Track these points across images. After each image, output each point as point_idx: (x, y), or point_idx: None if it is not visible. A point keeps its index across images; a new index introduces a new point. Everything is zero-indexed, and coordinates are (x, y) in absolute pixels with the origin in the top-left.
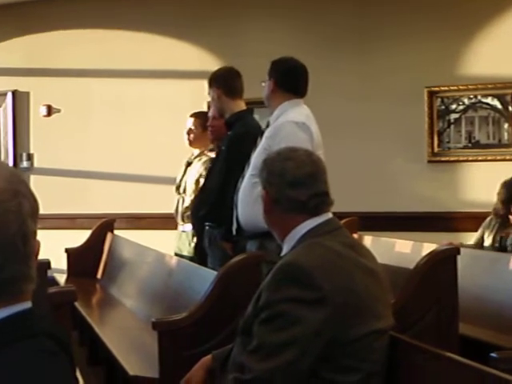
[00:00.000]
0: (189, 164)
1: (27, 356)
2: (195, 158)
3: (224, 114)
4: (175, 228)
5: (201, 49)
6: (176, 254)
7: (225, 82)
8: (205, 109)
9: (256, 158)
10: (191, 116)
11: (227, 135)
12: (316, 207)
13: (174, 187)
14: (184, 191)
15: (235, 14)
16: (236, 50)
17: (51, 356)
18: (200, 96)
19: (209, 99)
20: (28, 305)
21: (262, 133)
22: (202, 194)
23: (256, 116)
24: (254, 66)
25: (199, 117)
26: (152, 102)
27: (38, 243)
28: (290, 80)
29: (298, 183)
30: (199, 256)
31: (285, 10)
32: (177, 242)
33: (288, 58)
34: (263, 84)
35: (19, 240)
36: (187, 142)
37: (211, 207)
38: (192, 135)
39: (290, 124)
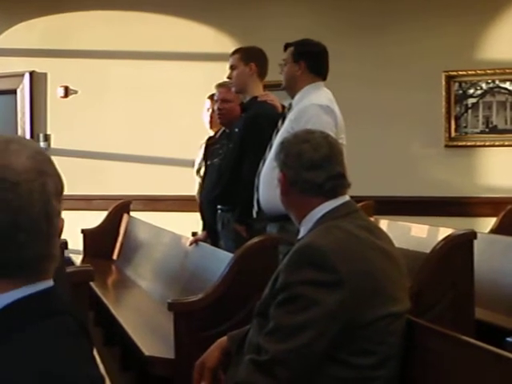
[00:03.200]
0: (207, 146)
1: (49, 334)
2: (204, 142)
3: (243, 93)
4: (192, 210)
5: (219, 31)
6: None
7: (261, 62)
8: None
9: (279, 140)
10: (211, 98)
11: (241, 117)
12: (333, 190)
13: (193, 170)
14: None
15: None
16: (254, 34)
17: (73, 335)
18: (217, 78)
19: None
20: (50, 283)
21: (283, 116)
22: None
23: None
24: (273, 50)
25: None
26: (169, 83)
27: (62, 221)
28: (319, 63)
29: (315, 165)
30: (211, 239)
31: None
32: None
33: (312, 40)
34: (282, 69)
35: (43, 219)
36: (208, 125)
37: (224, 189)
38: (214, 117)
39: (314, 107)
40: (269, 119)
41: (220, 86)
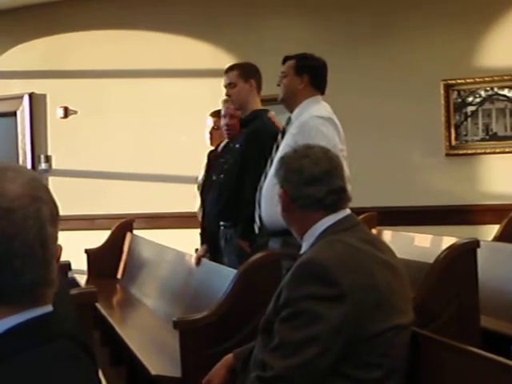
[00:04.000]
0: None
1: (45, 360)
2: (207, 156)
3: (243, 110)
4: (194, 227)
5: (217, 47)
6: None
7: (258, 77)
8: (220, 107)
9: (280, 155)
10: (213, 115)
11: (242, 133)
12: (334, 204)
13: (194, 186)
14: None
15: (251, 12)
16: (252, 48)
17: (70, 359)
18: (217, 94)
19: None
20: (48, 308)
21: (283, 131)
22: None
23: (272, 113)
24: (271, 64)
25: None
26: (169, 101)
27: (60, 248)
28: (320, 77)
29: (315, 180)
30: (211, 254)
31: (300, 8)
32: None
33: (312, 54)
34: (281, 82)
35: (38, 245)
36: (209, 142)
37: (225, 205)
38: (215, 134)
39: (316, 119)
40: (269, 134)
41: (227, 101)
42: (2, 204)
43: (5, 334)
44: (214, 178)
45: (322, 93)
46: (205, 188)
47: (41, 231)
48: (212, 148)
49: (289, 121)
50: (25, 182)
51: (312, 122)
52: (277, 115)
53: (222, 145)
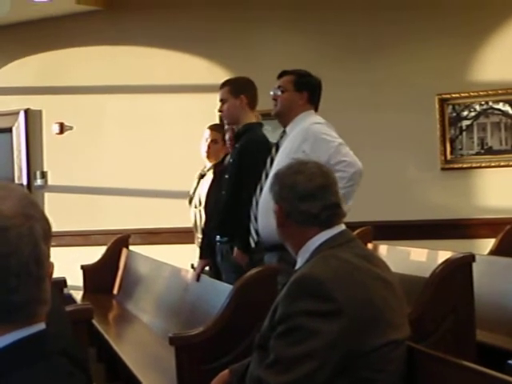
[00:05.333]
0: (202, 176)
1: (39, 379)
2: (208, 170)
3: (236, 125)
4: (190, 242)
5: (212, 62)
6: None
7: (251, 92)
8: (217, 121)
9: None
10: (212, 129)
11: (235, 147)
12: (328, 219)
13: (187, 200)
14: (200, 204)
15: (245, 27)
16: (247, 63)
17: (64, 376)
18: (212, 110)
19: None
20: (42, 326)
21: (277, 144)
22: (211, 207)
23: (269, 127)
24: (266, 79)
25: (219, 130)
26: (164, 116)
27: (52, 265)
28: (318, 95)
29: (310, 196)
30: (214, 273)
31: (295, 23)
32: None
33: (307, 71)
34: (277, 93)
35: (32, 263)
36: (205, 154)
37: (222, 220)
38: (212, 148)
39: (316, 125)
40: (262, 144)
41: (213, 128)
42: None
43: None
44: (223, 193)
45: (316, 109)
46: (209, 202)
47: (35, 249)
48: (208, 164)
49: (283, 134)
50: (16, 200)
51: (312, 128)
52: (272, 130)
53: (228, 159)
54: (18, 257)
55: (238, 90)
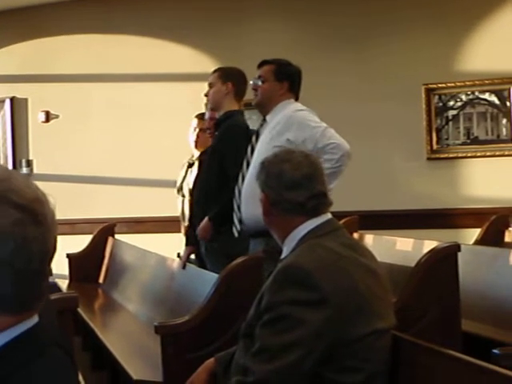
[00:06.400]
0: (190, 165)
1: (41, 375)
2: (197, 159)
3: (218, 110)
4: (176, 231)
5: (199, 51)
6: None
7: (239, 82)
8: (204, 110)
9: (258, 157)
10: (199, 118)
11: (215, 135)
12: (315, 208)
13: (174, 189)
14: (189, 193)
15: (233, 16)
16: (235, 52)
17: (62, 368)
18: (199, 99)
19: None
20: (36, 319)
21: (257, 133)
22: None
23: (254, 117)
24: (252, 69)
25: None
26: (151, 105)
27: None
28: (298, 84)
29: (296, 185)
30: (199, 261)
31: (281, 13)
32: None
33: (288, 60)
34: (257, 83)
35: (52, 251)
36: (193, 144)
37: (202, 209)
38: (201, 137)
39: (298, 112)
40: (242, 130)
41: (201, 117)
42: (30, 207)
43: (8, 346)
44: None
45: (296, 98)
46: (195, 191)
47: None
48: (196, 154)
49: (263, 122)
50: (33, 185)
51: (294, 115)
52: (257, 119)
53: None
54: (43, 243)
55: (228, 76)
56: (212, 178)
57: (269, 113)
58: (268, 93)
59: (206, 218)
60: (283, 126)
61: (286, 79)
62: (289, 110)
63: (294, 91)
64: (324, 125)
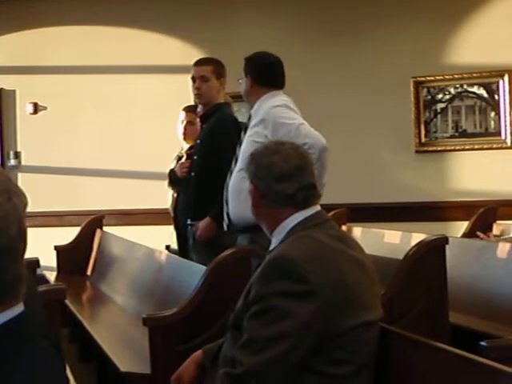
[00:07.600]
0: (179, 158)
1: (28, 366)
2: (186, 152)
3: (208, 106)
4: (165, 223)
5: (188, 44)
6: (169, 249)
7: (225, 76)
8: (192, 103)
9: (244, 152)
10: (186, 110)
11: (202, 129)
12: (304, 200)
13: (165, 183)
14: None
15: (222, 9)
16: (223, 45)
17: (49, 359)
18: (187, 91)
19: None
20: (21, 307)
21: (245, 127)
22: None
23: (243, 109)
24: (241, 61)
25: (194, 111)
26: (139, 97)
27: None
28: (266, 75)
29: (286, 177)
30: (183, 253)
31: (271, 6)
32: (173, 237)
33: (261, 52)
34: (240, 81)
35: (18, 240)
36: (182, 136)
37: (193, 203)
38: (189, 129)
39: (273, 109)
40: (232, 123)
41: (189, 109)
42: None
43: None
44: (193, 174)
45: (279, 87)
46: (181, 184)
47: (20, 225)
48: (185, 146)
49: (249, 117)
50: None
51: (270, 111)
52: (246, 111)
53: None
54: (7, 235)
55: (220, 72)
56: (196, 177)
57: (253, 106)
58: (243, 89)
59: (208, 218)
60: (261, 123)
61: (250, 74)
62: (267, 105)
63: (265, 83)
64: (298, 121)
